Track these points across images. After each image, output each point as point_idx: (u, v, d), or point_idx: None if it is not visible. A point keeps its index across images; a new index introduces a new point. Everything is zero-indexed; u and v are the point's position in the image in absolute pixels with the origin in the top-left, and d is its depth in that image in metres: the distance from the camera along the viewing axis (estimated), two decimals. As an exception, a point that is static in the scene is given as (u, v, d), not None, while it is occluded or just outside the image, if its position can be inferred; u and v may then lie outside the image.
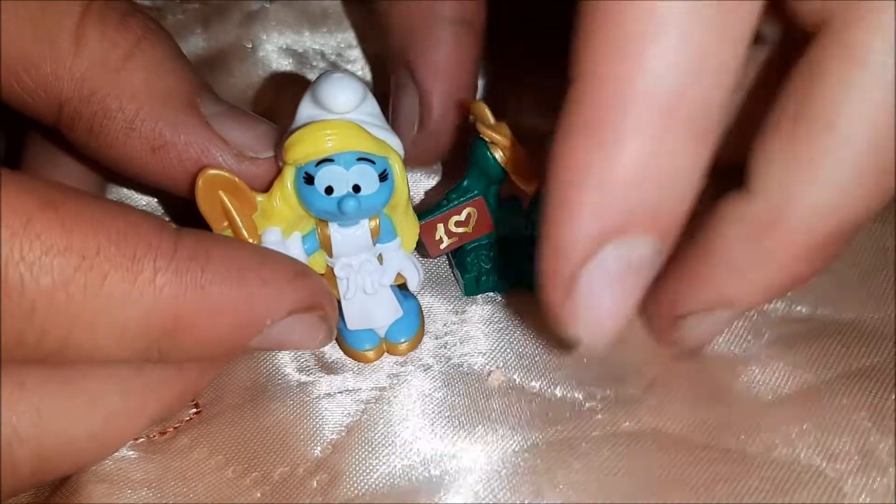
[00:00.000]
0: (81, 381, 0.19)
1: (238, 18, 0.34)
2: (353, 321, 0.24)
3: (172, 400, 0.21)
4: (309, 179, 0.22)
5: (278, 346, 0.22)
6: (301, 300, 0.21)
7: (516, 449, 0.23)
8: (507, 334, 0.26)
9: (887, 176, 0.18)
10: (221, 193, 0.22)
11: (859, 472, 0.22)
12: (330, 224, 0.23)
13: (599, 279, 0.18)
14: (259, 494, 0.22)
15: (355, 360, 0.25)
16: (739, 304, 0.21)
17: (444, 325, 0.26)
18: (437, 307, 0.27)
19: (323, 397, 0.24)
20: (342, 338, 0.25)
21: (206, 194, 0.22)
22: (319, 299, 0.21)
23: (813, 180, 0.18)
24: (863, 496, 0.22)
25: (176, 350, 0.19)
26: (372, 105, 0.22)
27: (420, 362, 0.25)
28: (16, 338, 0.17)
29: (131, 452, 0.23)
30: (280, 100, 0.33)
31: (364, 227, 0.23)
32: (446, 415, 0.24)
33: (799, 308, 0.27)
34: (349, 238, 0.23)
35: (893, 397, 0.24)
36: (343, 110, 0.22)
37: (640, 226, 0.18)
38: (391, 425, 0.24)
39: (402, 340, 0.25)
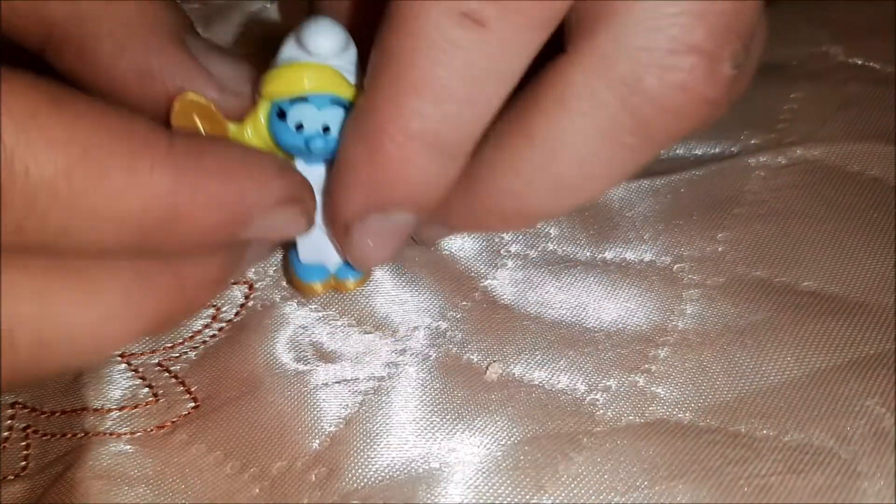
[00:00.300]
0: (83, 272, 0.20)
1: (239, 19, 0.34)
2: (306, 254, 0.24)
3: (171, 306, 0.21)
4: (281, 115, 0.22)
5: (265, 235, 0.22)
6: (285, 192, 0.22)
7: (517, 441, 0.23)
8: (506, 325, 0.25)
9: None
10: (195, 117, 0.22)
11: (873, 452, 0.21)
12: (296, 160, 0.23)
13: (365, 233, 0.22)
14: (258, 490, 0.22)
15: (302, 292, 0.25)
16: (402, 203, 0.22)
17: (442, 313, 0.26)
18: (436, 296, 0.26)
19: (321, 387, 0.24)
20: (293, 270, 0.25)
21: (181, 116, 0.22)
22: (301, 191, 0.23)
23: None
24: (877, 475, 0.21)
25: (171, 241, 0.20)
26: (352, 55, 0.22)
27: (418, 352, 0.25)
28: (18, 225, 0.18)
29: (129, 447, 0.22)
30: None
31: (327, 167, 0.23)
32: (445, 406, 0.23)
33: (806, 283, 0.26)
34: (312, 175, 0.23)
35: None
36: (324, 54, 0.22)
37: (399, 206, 0.21)
38: (389, 417, 0.23)
39: (351, 278, 0.25)
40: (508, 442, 0.23)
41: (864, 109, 0.31)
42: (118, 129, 0.19)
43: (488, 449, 0.22)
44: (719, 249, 0.27)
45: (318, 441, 0.23)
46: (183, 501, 0.22)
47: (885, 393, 0.23)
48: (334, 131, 0.22)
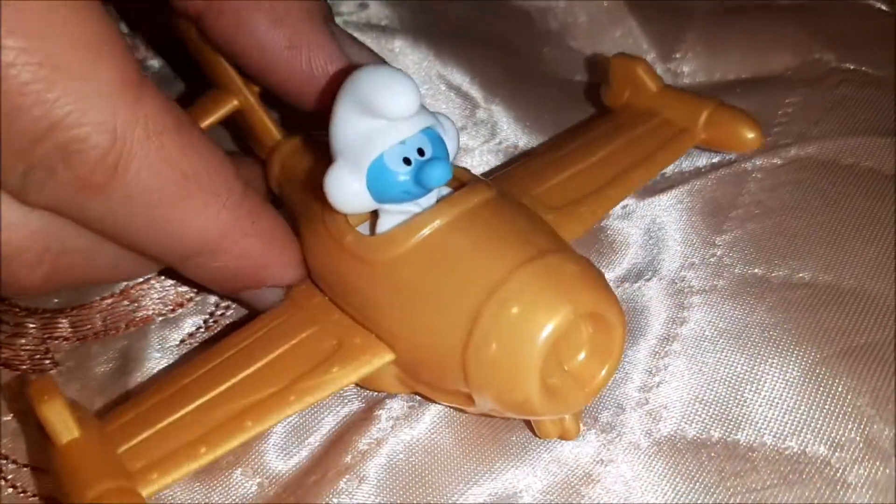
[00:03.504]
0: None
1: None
2: None
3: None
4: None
5: (252, 299, 0.25)
6: (292, 280, 0.24)
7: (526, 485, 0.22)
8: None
9: None
10: None
11: (863, 461, 0.21)
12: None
13: None
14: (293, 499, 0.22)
15: None
16: None
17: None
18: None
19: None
20: None
21: None
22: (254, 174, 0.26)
23: None
24: (865, 487, 0.21)
25: (198, 268, 0.23)
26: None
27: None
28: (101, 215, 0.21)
29: None
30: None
31: None
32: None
33: (801, 275, 0.26)
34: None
35: (894, 382, 0.23)
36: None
37: None
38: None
39: None
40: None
41: (856, 108, 0.30)
42: (214, 167, 0.22)
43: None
44: (718, 253, 0.26)
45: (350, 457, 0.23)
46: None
47: (875, 391, 0.22)
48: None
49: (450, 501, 0.22)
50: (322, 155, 0.20)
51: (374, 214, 0.21)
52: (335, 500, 0.22)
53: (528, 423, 0.22)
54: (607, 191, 0.26)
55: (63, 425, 0.20)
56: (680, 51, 0.34)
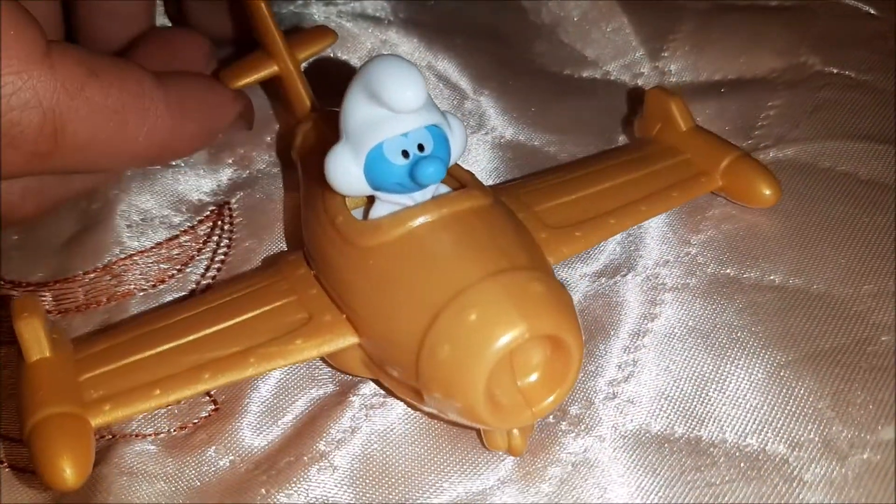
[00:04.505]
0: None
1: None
2: None
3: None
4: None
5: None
6: (239, 110, 0.28)
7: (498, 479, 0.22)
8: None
9: None
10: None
11: (820, 460, 0.22)
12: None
13: None
14: (264, 490, 0.22)
15: None
16: None
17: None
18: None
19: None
20: None
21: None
22: (244, 104, 0.28)
23: None
24: (820, 486, 0.21)
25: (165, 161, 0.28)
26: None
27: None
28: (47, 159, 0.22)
29: (151, 447, 0.23)
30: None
31: None
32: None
33: (772, 277, 0.26)
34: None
35: (855, 386, 0.23)
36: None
37: None
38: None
39: None
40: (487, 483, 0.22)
41: (836, 112, 0.31)
42: (135, 89, 0.23)
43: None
44: (692, 252, 0.27)
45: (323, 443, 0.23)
46: (197, 498, 0.22)
47: (836, 394, 0.23)
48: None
49: (421, 494, 0.22)
50: (335, 133, 0.20)
51: (372, 201, 0.21)
52: (306, 488, 0.22)
53: (477, 432, 0.23)
54: (608, 219, 0.25)
55: (35, 343, 0.21)
56: (668, 49, 0.34)
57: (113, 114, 0.23)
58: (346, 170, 0.20)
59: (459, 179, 0.22)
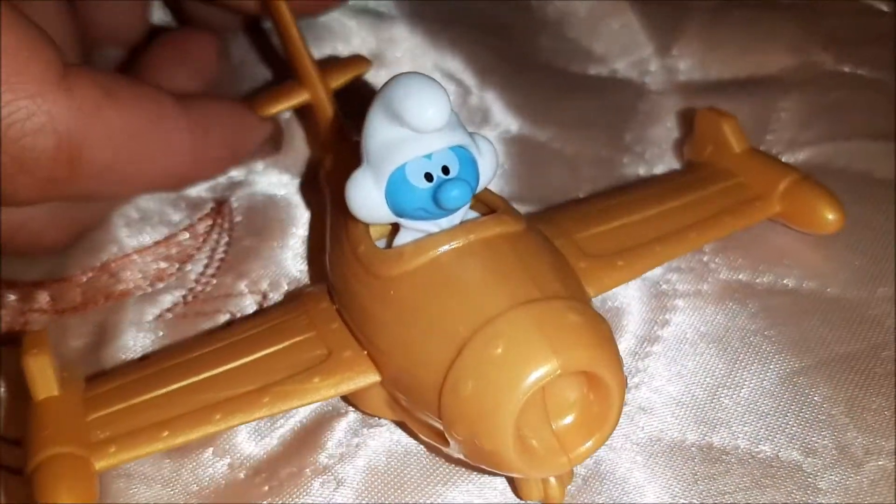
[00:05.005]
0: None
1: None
2: None
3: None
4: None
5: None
6: (265, 134, 0.27)
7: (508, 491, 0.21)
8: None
9: None
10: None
11: (836, 467, 0.21)
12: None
13: None
14: (266, 488, 0.22)
15: None
16: None
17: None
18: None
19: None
20: None
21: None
22: (271, 129, 0.27)
23: None
24: (835, 493, 0.21)
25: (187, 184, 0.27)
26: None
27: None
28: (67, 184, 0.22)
29: None
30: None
31: None
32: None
33: (785, 281, 0.25)
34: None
35: (870, 392, 0.22)
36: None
37: None
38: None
39: None
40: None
41: (847, 111, 0.30)
42: (153, 111, 0.22)
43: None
44: (704, 258, 0.26)
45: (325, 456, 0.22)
46: (195, 501, 0.22)
47: (850, 400, 0.22)
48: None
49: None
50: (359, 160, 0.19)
51: (397, 230, 0.20)
52: (309, 501, 0.21)
53: (509, 480, 0.21)
54: (654, 246, 0.24)
55: (43, 381, 0.20)
56: (677, 47, 0.34)
57: (131, 137, 0.22)
58: (366, 195, 0.19)
59: (490, 205, 0.20)
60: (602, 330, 0.18)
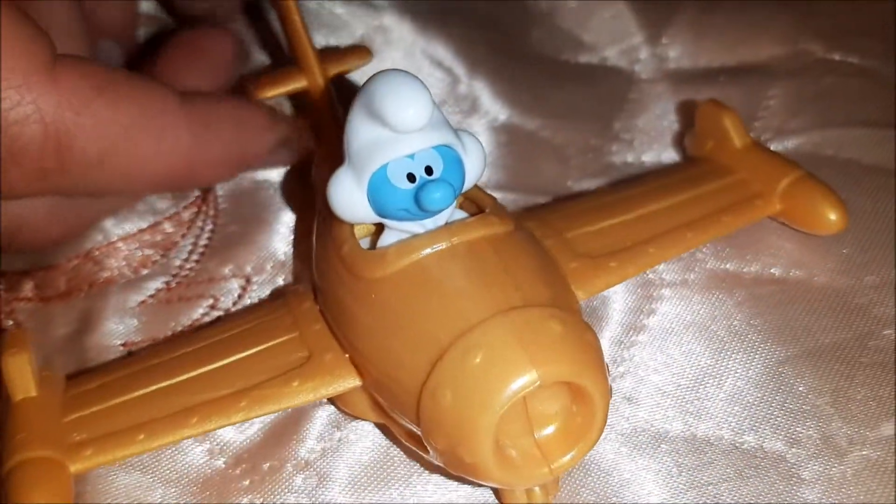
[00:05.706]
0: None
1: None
2: None
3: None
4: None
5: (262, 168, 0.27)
6: (277, 139, 0.26)
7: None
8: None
9: None
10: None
11: (819, 457, 0.21)
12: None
13: None
14: (248, 482, 0.21)
15: None
16: None
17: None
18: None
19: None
20: None
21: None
22: (288, 133, 0.26)
23: None
24: (819, 483, 0.21)
25: (188, 186, 0.26)
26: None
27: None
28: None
29: None
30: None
31: None
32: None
33: (772, 270, 0.25)
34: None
35: (856, 382, 0.22)
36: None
37: None
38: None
39: None
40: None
41: (836, 99, 0.30)
42: (149, 106, 0.22)
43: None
44: (692, 247, 0.26)
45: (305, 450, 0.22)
46: (174, 489, 0.21)
47: (836, 391, 0.22)
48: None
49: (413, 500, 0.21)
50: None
51: (382, 229, 0.20)
52: (292, 499, 0.21)
53: (494, 490, 0.21)
54: (647, 247, 0.23)
55: (21, 382, 0.20)
56: (667, 35, 0.34)
57: (124, 130, 0.21)
58: (348, 195, 0.18)
59: (479, 204, 0.20)
60: (585, 339, 0.17)
